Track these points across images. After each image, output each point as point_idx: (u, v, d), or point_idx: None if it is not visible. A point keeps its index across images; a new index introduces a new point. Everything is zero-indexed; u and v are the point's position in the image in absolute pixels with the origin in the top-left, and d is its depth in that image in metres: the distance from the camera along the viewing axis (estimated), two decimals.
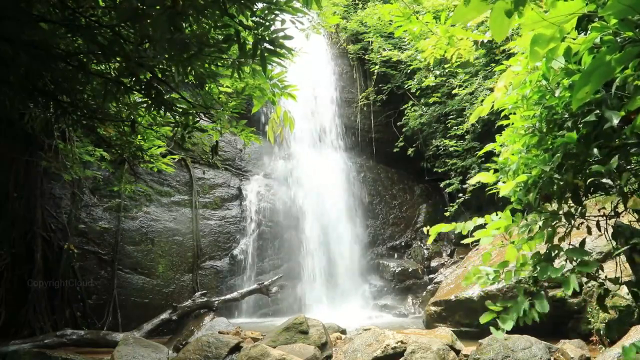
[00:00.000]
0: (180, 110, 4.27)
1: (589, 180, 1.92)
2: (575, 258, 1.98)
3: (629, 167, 1.87)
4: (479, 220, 2.35)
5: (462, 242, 2.54)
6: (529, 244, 2.19)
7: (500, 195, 2.41)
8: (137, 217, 8.16)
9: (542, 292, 1.98)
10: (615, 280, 2.16)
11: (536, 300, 1.96)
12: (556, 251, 2.08)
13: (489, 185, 2.47)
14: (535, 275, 2.06)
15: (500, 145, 2.57)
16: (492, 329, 2.03)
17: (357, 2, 12.20)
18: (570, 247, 2.11)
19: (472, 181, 2.51)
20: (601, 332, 4.59)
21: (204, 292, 7.54)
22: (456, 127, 9.68)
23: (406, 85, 10.79)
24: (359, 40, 11.76)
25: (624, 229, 2.13)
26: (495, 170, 2.46)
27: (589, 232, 2.20)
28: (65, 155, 6.44)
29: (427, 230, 2.49)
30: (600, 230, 2.25)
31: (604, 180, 1.95)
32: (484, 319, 2.05)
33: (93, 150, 6.37)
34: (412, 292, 9.58)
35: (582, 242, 2.19)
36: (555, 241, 2.18)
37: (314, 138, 11.21)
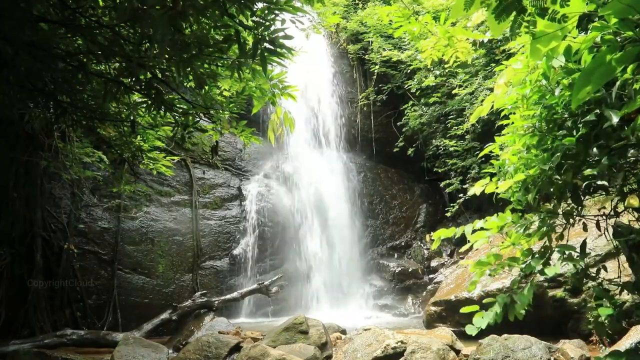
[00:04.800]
0: (180, 110, 4.27)
1: (586, 182, 1.92)
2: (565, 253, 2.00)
3: (628, 166, 1.87)
4: (479, 223, 2.36)
5: (460, 250, 2.57)
6: (528, 242, 2.20)
7: (499, 196, 2.41)
8: (137, 217, 8.15)
9: (529, 287, 2.00)
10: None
11: (516, 295, 1.98)
12: (550, 249, 2.09)
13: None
14: (523, 270, 2.09)
15: (500, 147, 2.57)
16: (467, 327, 2.08)
17: (357, 2, 12.19)
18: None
19: (471, 192, 2.50)
20: (600, 331, 4.59)
21: (204, 292, 7.53)
22: (456, 127, 9.68)
23: (406, 85, 10.79)
24: (359, 40, 11.76)
25: (624, 228, 2.14)
26: (493, 175, 2.46)
27: (585, 228, 2.20)
28: (65, 155, 6.44)
29: (430, 237, 2.52)
30: (600, 230, 2.25)
31: (600, 182, 1.96)
32: (464, 309, 2.10)
33: (92, 152, 6.37)
34: (412, 292, 9.58)
35: (583, 244, 2.19)
36: (553, 240, 2.18)
37: (314, 138, 11.20)
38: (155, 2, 2.81)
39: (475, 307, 2.11)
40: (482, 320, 2.01)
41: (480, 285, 5.98)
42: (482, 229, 2.30)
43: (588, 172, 1.79)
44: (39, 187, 6.76)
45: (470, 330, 2.06)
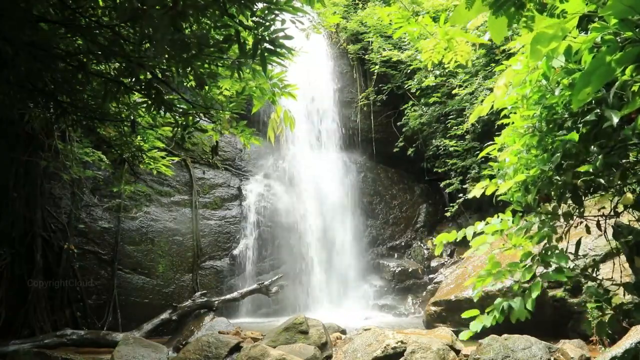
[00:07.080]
0: (180, 110, 4.27)
1: (586, 181, 1.91)
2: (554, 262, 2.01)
3: (628, 166, 1.86)
4: (480, 225, 2.35)
5: (462, 256, 2.59)
6: (529, 243, 2.21)
7: (499, 197, 2.41)
8: (137, 217, 8.15)
9: (526, 291, 2.01)
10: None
11: (513, 301, 2.00)
12: (551, 251, 2.10)
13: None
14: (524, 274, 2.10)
15: (499, 150, 2.57)
16: (461, 334, 2.11)
17: (357, 2, 12.19)
18: (569, 246, 2.10)
19: (471, 194, 2.49)
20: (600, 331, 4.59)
21: (204, 292, 7.53)
22: (456, 127, 9.68)
23: (406, 85, 10.78)
24: (359, 40, 11.75)
25: (624, 228, 2.14)
26: (493, 176, 2.46)
27: (588, 231, 2.20)
28: (65, 155, 6.44)
29: (432, 243, 2.53)
30: (600, 230, 2.25)
31: (599, 180, 1.95)
32: (464, 314, 2.13)
33: (92, 152, 6.37)
34: (412, 292, 9.58)
35: (578, 243, 2.19)
36: (553, 241, 2.18)
37: (314, 138, 11.20)
38: (155, 2, 2.81)
39: (476, 312, 2.11)
40: (478, 324, 2.04)
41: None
42: (483, 232, 2.30)
43: (585, 168, 1.78)
44: (39, 187, 6.76)
45: (464, 335, 2.09)
